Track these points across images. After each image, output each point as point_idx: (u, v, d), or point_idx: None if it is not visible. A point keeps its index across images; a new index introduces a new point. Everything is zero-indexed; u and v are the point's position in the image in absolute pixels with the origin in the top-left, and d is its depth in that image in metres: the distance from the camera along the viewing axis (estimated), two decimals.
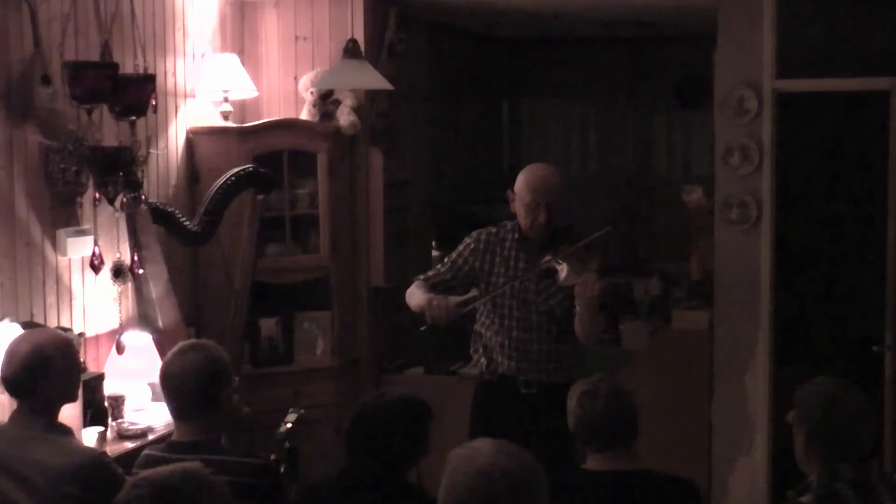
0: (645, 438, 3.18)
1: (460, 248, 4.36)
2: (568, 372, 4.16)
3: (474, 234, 4.36)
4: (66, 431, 3.27)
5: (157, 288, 4.76)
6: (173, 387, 3.17)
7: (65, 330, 4.26)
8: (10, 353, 3.26)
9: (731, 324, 5.34)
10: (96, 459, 3.19)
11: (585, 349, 4.34)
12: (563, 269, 4.00)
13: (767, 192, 5.24)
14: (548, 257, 4.06)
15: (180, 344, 3.30)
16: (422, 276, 4.39)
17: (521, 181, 4.22)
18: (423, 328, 4.21)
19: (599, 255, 4.12)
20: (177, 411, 3.19)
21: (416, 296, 4.29)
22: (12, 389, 3.24)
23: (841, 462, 2.84)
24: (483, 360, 4.30)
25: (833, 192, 6.19)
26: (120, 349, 4.55)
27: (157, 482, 2.25)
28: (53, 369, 3.24)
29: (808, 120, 5.71)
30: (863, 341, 5.34)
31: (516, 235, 4.26)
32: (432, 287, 4.31)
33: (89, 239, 4.41)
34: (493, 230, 4.33)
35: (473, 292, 4.29)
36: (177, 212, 4.82)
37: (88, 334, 4.55)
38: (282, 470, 3.34)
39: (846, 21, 5.23)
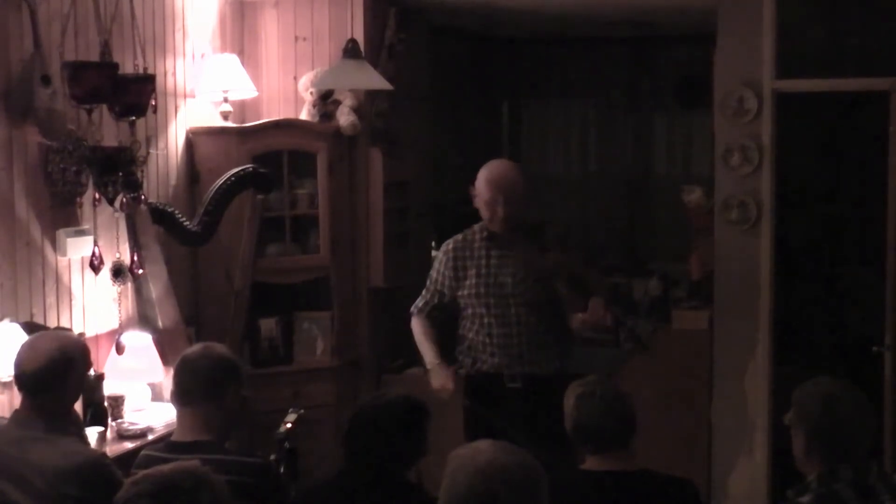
0: (645, 438, 3.18)
1: (435, 265, 4.50)
2: (552, 363, 4.22)
3: (442, 246, 4.51)
4: (68, 432, 3.27)
5: (156, 288, 4.76)
6: (188, 368, 3.21)
7: (65, 330, 4.27)
8: (35, 349, 3.25)
9: (731, 324, 5.34)
10: (96, 461, 3.19)
11: (573, 341, 4.44)
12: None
13: (767, 192, 5.24)
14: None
15: (205, 343, 3.39)
16: (415, 309, 4.51)
17: (479, 177, 4.36)
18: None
19: (554, 253, 4.23)
20: (182, 396, 3.21)
21: (422, 343, 4.49)
22: (28, 385, 3.23)
23: (841, 462, 2.84)
24: (468, 360, 4.34)
25: (833, 192, 6.18)
26: (120, 349, 4.55)
27: (156, 480, 2.25)
28: (73, 374, 3.27)
29: (808, 120, 5.71)
30: (863, 341, 5.34)
31: (485, 234, 4.34)
32: (428, 315, 4.47)
33: (89, 239, 4.41)
34: (460, 237, 4.46)
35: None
36: (177, 212, 4.83)
37: (88, 334, 4.55)
38: (281, 470, 3.33)
39: (846, 21, 5.23)
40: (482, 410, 4.22)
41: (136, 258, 4.58)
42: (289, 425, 3.45)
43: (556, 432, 3.85)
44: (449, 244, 4.45)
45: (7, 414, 3.66)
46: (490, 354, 4.25)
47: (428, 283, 4.49)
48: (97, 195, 4.27)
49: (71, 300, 4.48)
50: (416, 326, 4.49)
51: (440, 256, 4.46)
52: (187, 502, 2.23)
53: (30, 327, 4.01)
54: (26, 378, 3.22)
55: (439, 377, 4.33)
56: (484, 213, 4.32)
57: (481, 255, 4.32)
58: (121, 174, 4.27)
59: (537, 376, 4.19)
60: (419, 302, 4.50)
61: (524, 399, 4.18)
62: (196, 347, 3.32)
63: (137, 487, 2.24)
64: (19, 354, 3.28)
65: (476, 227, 4.41)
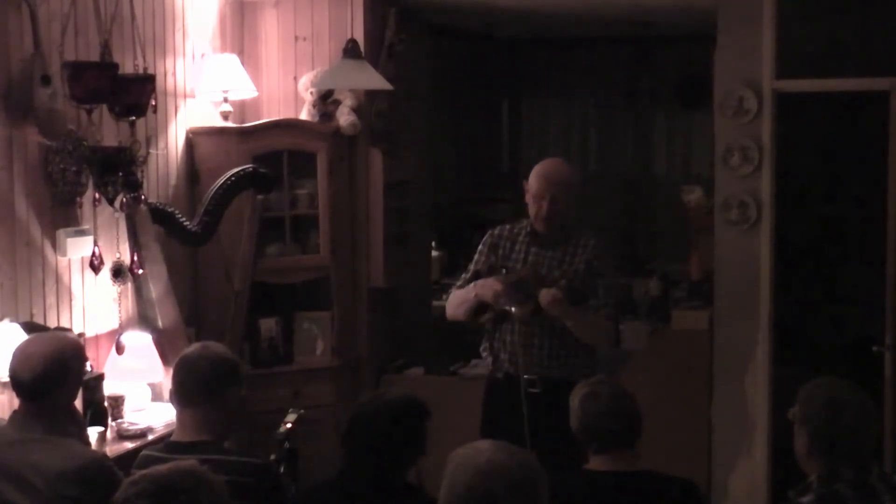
0: (645, 438, 3.18)
1: (479, 247, 4.40)
2: (573, 368, 4.17)
3: (489, 231, 4.42)
4: (68, 433, 3.26)
5: (156, 288, 4.76)
6: (187, 368, 3.20)
7: (64, 330, 4.27)
8: (29, 357, 3.23)
9: (731, 324, 5.34)
10: (96, 461, 3.19)
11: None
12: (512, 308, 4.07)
13: (767, 192, 5.23)
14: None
15: (203, 342, 3.36)
16: (455, 287, 4.38)
17: (533, 171, 4.28)
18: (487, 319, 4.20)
19: (533, 280, 4.13)
20: (182, 396, 3.19)
21: (458, 295, 4.28)
22: (26, 393, 3.22)
23: (842, 463, 2.84)
24: (490, 357, 4.31)
25: (833, 192, 6.19)
26: (120, 349, 4.55)
27: (154, 480, 2.24)
28: (70, 376, 3.27)
29: (808, 120, 5.72)
30: (863, 341, 5.34)
31: (529, 229, 4.30)
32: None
33: (89, 239, 4.41)
34: (508, 226, 4.40)
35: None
36: (177, 212, 4.83)
37: (88, 334, 4.55)
38: (281, 470, 3.33)
39: (846, 21, 5.23)
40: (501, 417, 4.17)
41: (136, 258, 4.58)
42: (289, 425, 3.45)
43: (574, 440, 3.83)
44: (495, 229, 4.39)
45: (6, 414, 3.66)
46: (510, 354, 4.21)
47: (469, 267, 4.39)
48: (97, 195, 4.28)
49: (71, 300, 4.48)
50: (451, 298, 4.34)
51: (484, 238, 4.39)
52: (186, 502, 2.23)
53: (30, 327, 4.01)
54: (23, 386, 3.22)
55: (485, 283, 4.13)
56: (531, 207, 4.25)
57: (521, 251, 4.29)
58: (121, 174, 4.27)
59: (558, 381, 4.13)
60: (458, 283, 4.38)
61: (543, 405, 4.13)
62: (195, 347, 3.30)
63: (136, 488, 2.24)
64: (13, 362, 3.26)
65: (525, 221, 4.34)
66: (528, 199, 4.25)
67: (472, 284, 4.21)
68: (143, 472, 2.32)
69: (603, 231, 8.26)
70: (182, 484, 2.23)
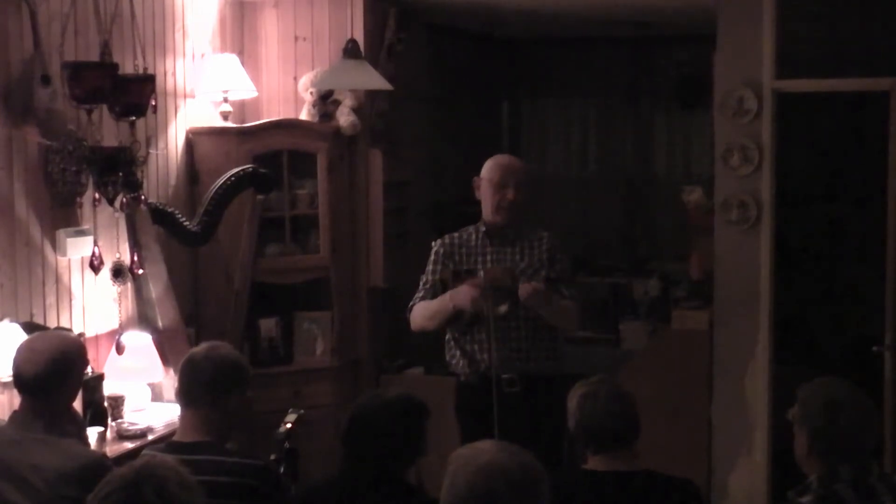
0: (645, 439, 3.18)
1: (431, 258, 4.38)
2: (547, 363, 4.20)
3: (437, 241, 4.41)
4: (67, 432, 3.27)
5: (156, 288, 4.77)
6: (191, 369, 3.18)
7: (65, 330, 4.27)
8: (34, 353, 3.24)
9: (731, 324, 5.34)
10: (96, 462, 3.19)
11: (566, 341, 4.42)
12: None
13: (767, 192, 5.23)
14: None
15: (212, 343, 3.34)
16: (411, 305, 4.35)
17: (487, 165, 4.34)
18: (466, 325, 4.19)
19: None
20: (185, 396, 3.18)
21: (428, 307, 4.26)
22: (28, 389, 3.22)
23: (842, 463, 2.84)
24: (462, 361, 4.29)
25: (833, 192, 6.20)
26: (120, 349, 4.55)
27: (120, 476, 2.23)
28: (72, 374, 3.27)
29: (808, 120, 5.72)
30: (863, 341, 5.34)
31: (482, 230, 4.31)
32: None
33: (89, 239, 4.41)
34: (455, 234, 4.39)
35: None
36: (177, 212, 4.83)
37: (88, 334, 4.55)
38: (281, 470, 3.33)
39: (846, 21, 5.23)
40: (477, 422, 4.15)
41: (136, 258, 4.58)
42: (289, 425, 3.44)
43: (550, 434, 3.83)
44: (444, 238, 4.38)
45: (6, 414, 3.66)
46: (488, 352, 4.20)
47: (422, 281, 4.38)
48: (97, 195, 4.27)
49: (71, 300, 4.48)
50: (417, 309, 4.32)
51: (434, 249, 4.37)
52: (154, 492, 2.19)
53: (30, 327, 4.01)
54: (26, 381, 3.22)
55: (459, 291, 4.11)
56: (490, 200, 4.25)
57: (479, 253, 4.29)
58: (121, 174, 4.27)
59: (534, 377, 4.15)
60: (416, 297, 4.37)
61: (522, 404, 4.13)
62: (202, 347, 3.27)
63: (106, 488, 2.21)
64: (17, 357, 3.27)
65: (471, 227, 4.36)
66: (484, 192, 4.29)
67: (445, 295, 4.18)
68: (117, 470, 2.31)
69: (603, 231, 8.39)
70: (147, 474, 2.21)
